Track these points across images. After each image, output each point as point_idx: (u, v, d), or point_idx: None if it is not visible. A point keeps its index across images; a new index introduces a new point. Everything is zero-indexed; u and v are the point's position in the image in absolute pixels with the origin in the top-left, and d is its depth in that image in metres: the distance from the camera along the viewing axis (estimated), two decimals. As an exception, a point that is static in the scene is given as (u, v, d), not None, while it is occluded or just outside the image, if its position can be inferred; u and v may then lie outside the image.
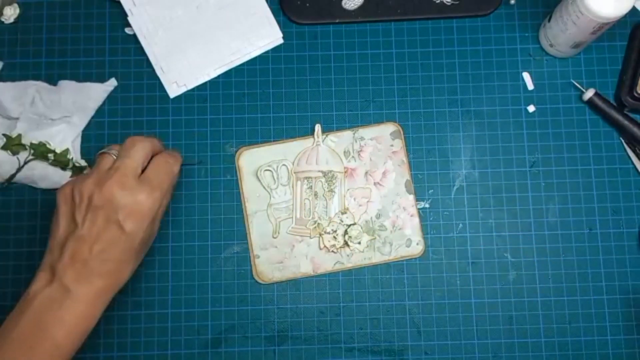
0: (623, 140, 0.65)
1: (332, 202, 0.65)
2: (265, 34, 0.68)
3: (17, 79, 0.67)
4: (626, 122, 0.65)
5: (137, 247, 0.52)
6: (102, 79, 0.68)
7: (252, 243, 0.65)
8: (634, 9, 0.67)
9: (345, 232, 0.65)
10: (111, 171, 0.52)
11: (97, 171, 0.53)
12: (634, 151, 0.65)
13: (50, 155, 0.64)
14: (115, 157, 0.54)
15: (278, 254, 0.65)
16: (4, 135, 0.65)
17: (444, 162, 0.67)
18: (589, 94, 0.65)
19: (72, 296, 0.49)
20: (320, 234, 0.65)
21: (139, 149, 0.54)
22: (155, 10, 0.67)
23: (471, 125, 0.67)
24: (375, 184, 0.66)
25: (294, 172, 0.66)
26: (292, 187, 0.66)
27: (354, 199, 0.65)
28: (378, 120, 0.67)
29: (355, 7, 0.69)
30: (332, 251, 0.65)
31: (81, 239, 0.50)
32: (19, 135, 0.65)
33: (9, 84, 0.67)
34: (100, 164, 0.54)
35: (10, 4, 0.68)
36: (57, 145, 0.65)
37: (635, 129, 0.65)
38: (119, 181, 0.51)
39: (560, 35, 0.64)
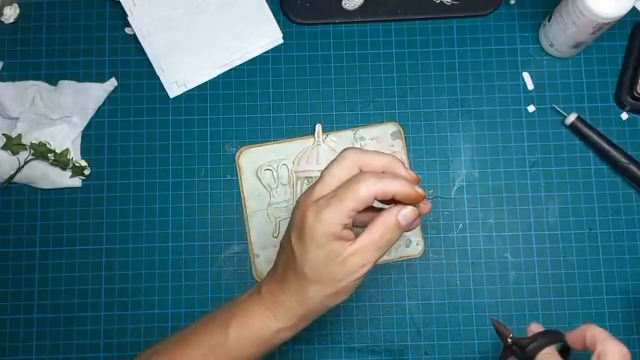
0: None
1: (332, 202, 0.65)
2: (265, 34, 0.68)
3: (17, 79, 0.67)
4: (608, 147, 0.64)
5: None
6: (102, 79, 0.68)
7: (252, 242, 0.65)
8: (634, 9, 0.67)
9: (345, 232, 0.65)
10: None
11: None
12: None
13: (50, 155, 0.64)
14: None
15: (278, 253, 0.65)
16: (4, 135, 0.65)
17: (444, 162, 0.67)
18: (571, 118, 0.65)
19: None
20: (320, 234, 0.65)
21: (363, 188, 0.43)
22: (155, 10, 0.67)
23: (471, 125, 0.67)
24: (375, 184, 0.66)
25: (294, 172, 0.66)
26: (292, 186, 0.66)
27: (354, 199, 0.65)
28: (378, 120, 0.67)
29: (355, 7, 0.69)
30: (332, 251, 0.64)
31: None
32: (19, 135, 0.65)
33: (9, 84, 0.67)
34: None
35: (10, 4, 0.68)
36: (57, 145, 0.65)
37: (617, 154, 0.64)
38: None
39: (560, 35, 0.64)
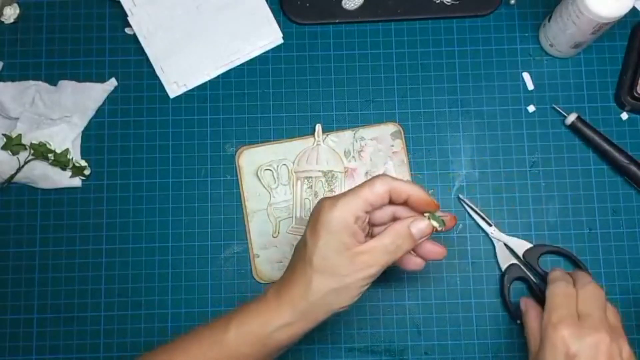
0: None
1: (332, 202, 0.65)
2: (265, 34, 0.68)
3: (17, 79, 0.67)
4: (608, 148, 0.65)
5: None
6: (102, 79, 0.68)
7: (252, 242, 0.65)
8: (634, 9, 0.67)
9: (345, 232, 0.65)
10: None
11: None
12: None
13: (50, 155, 0.64)
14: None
15: (278, 253, 0.65)
16: (4, 135, 0.65)
17: (444, 162, 0.67)
18: (571, 118, 0.65)
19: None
20: (320, 234, 0.65)
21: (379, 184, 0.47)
22: (155, 10, 0.67)
23: (471, 125, 0.67)
24: (375, 184, 0.66)
25: (294, 172, 0.66)
26: (292, 186, 0.66)
27: (354, 199, 0.65)
28: (378, 120, 0.67)
29: (355, 7, 0.69)
30: (332, 251, 0.64)
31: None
32: (19, 135, 0.65)
33: (9, 84, 0.67)
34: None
35: (10, 4, 0.68)
36: (57, 145, 0.65)
37: (617, 154, 0.64)
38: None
39: (560, 35, 0.64)
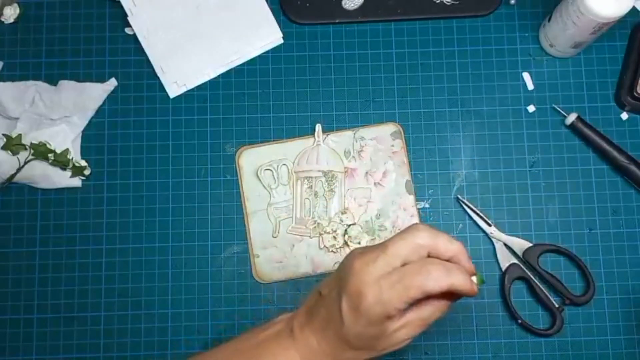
0: None
1: (332, 202, 0.65)
2: (265, 34, 0.68)
3: (17, 79, 0.67)
4: (608, 148, 0.65)
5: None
6: (102, 79, 0.68)
7: (252, 242, 0.65)
8: (634, 9, 0.67)
9: (345, 232, 0.65)
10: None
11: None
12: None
13: (50, 155, 0.64)
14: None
15: (278, 253, 0.65)
16: (4, 135, 0.65)
17: (444, 162, 0.67)
18: (571, 118, 0.65)
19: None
20: (320, 234, 0.65)
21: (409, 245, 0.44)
22: (155, 10, 0.67)
23: (471, 125, 0.67)
24: (375, 184, 0.66)
25: (294, 172, 0.66)
26: (292, 186, 0.66)
27: (354, 199, 0.65)
28: (378, 120, 0.67)
29: (355, 7, 0.69)
30: (332, 251, 0.65)
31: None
32: (19, 135, 0.65)
33: (9, 84, 0.67)
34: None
35: (10, 4, 0.68)
36: (57, 145, 0.65)
37: (617, 154, 0.64)
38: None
39: (560, 35, 0.64)
